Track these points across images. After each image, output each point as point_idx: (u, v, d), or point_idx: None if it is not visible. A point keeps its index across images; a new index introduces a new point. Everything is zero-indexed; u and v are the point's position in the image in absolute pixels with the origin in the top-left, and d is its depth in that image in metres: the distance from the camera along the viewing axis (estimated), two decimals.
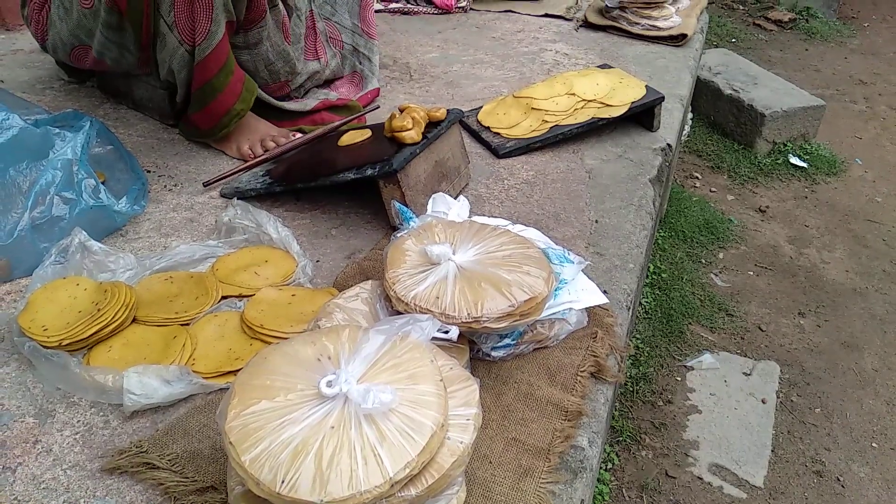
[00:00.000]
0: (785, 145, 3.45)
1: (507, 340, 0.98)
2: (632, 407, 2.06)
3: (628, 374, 2.09)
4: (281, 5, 1.51)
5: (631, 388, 2.10)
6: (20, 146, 1.11)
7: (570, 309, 1.03)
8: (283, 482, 0.63)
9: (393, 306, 0.93)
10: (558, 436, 0.89)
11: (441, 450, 0.69)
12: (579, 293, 1.05)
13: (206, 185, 1.39)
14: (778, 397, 2.13)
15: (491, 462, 0.85)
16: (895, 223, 3.04)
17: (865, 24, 5.34)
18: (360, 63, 1.82)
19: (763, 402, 2.10)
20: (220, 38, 1.35)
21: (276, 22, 1.49)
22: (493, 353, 0.98)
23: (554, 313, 1.01)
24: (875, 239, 2.93)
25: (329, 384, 0.69)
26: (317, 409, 0.68)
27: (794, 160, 3.40)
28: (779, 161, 3.40)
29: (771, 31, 5.12)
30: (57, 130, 1.18)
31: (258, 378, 0.72)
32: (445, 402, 0.71)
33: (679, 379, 2.17)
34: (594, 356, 1.01)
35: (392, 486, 0.64)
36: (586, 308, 1.06)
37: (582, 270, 1.08)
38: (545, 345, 1.02)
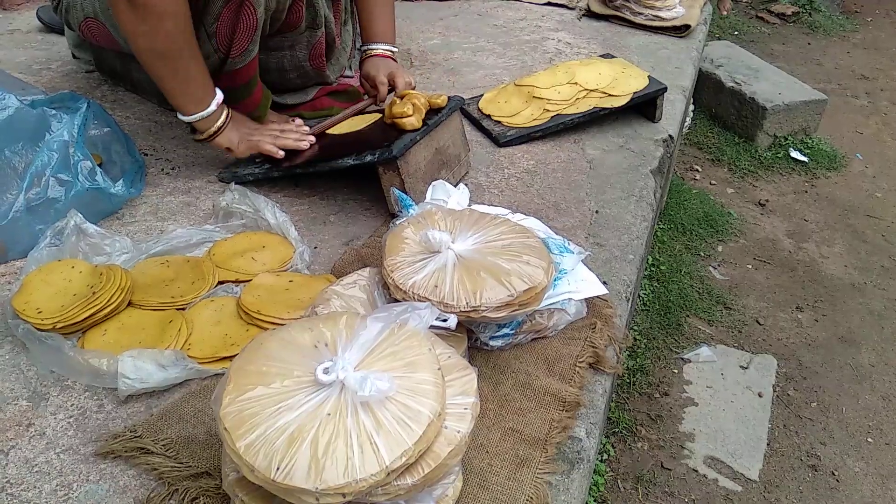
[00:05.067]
0: (786, 139, 3.43)
1: (505, 330, 0.97)
2: (628, 398, 2.06)
3: (625, 365, 2.09)
4: (322, 33, 1.48)
5: (628, 380, 2.10)
6: (16, 127, 1.10)
7: (570, 299, 1.02)
8: (277, 469, 0.63)
9: (391, 294, 0.92)
10: (556, 426, 0.89)
11: (438, 439, 0.68)
12: (579, 283, 1.04)
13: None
14: (774, 391, 2.13)
15: (488, 451, 0.85)
16: (895, 219, 3.03)
17: (868, 19, 5.31)
18: None
19: (759, 395, 2.10)
20: (254, 56, 1.34)
21: (307, 42, 1.46)
22: (492, 343, 0.97)
23: (553, 303, 1.00)
24: (874, 234, 2.93)
25: (326, 371, 0.68)
26: (313, 395, 0.67)
27: (795, 154, 3.39)
28: (779, 155, 3.39)
29: (774, 24, 5.10)
30: (53, 112, 1.17)
31: (254, 364, 0.71)
32: (443, 391, 0.70)
33: (676, 371, 2.17)
34: (593, 347, 1.01)
35: (388, 474, 0.63)
36: (585, 298, 1.05)
37: (582, 261, 1.07)
38: (544, 335, 1.01)
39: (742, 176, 3.27)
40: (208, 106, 1.27)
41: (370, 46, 1.49)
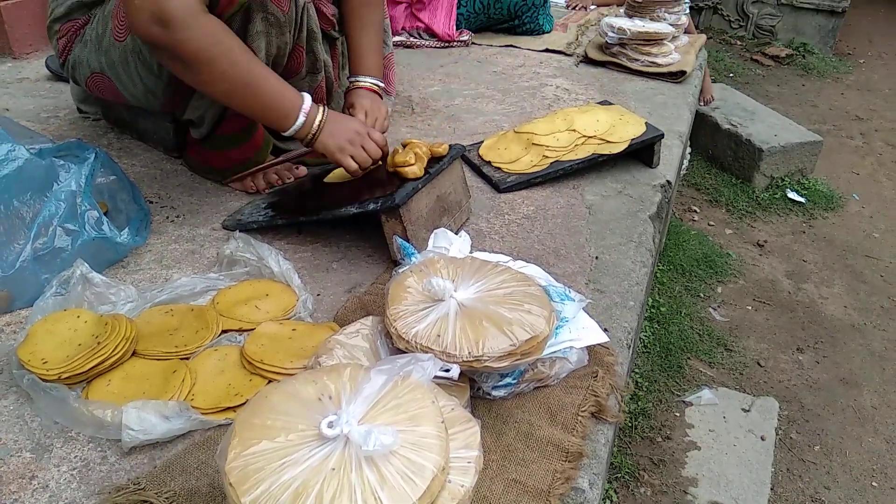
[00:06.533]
0: (783, 180, 3.47)
1: (507, 379, 0.98)
2: (630, 443, 2.05)
3: (627, 409, 2.08)
4: (322, 77, 1.52)
5: (630, 424, 2.09)
6: (25, 178, 1.12)
7: (571, 347, 1.03)
8: None
9: (394, 343, 0.93)
10: (559, 477, 0.89)
11: (442, 493, 0.68)
12: (580, 331, 1.05)
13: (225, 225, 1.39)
14: (777, 434, 2.12)
15: (491, 503, 0.85)
16: (893, 258, 3.05)
17: (861, 61, 5.40)
18: None
19: (762, 438, 2.09)
20: None
21: (309, 87, 1.49)
22: (494, 392, 0.98)
23: (555, 352, 1.00)
24: (873, 274, 2.94)
25: (330, 425, 0.68)
26: (318, 450, 0.68)
27: (792, 195, 3.42)
28: (777, 196, 3.42)
29: (768, 66, 5.19)
30: (61, 162, 1.19)
31: (259, 417, 0.71)
32: (447, 445, 0.70)
33: (678, 414, 2.16)
34: (595, 396, 1.01)
35: None
36: (587, 346, 1.06)
37: (583, 308, 1.08)
38: (546, 383, 1.02)
39: (740, 217, 3.30)
40: (296, 120, 1.27)
41: (358, 78, 1.52)
